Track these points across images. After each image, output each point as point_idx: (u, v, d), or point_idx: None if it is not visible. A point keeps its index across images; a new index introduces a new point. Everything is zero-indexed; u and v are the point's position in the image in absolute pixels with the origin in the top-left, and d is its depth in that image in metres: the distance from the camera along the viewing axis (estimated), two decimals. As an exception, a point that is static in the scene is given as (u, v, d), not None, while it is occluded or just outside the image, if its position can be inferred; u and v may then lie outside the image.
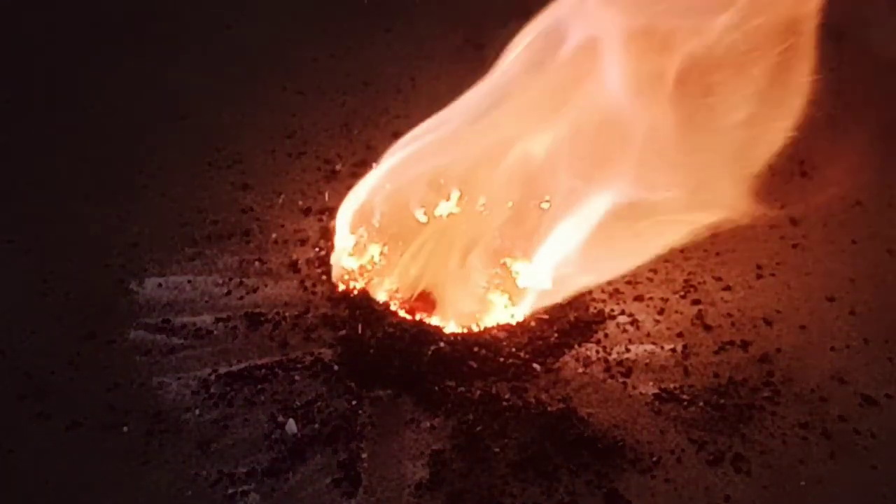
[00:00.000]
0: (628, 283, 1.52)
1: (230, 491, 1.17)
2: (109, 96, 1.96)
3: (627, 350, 1.37)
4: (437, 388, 1.30)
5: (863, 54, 1.93)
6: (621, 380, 1.31)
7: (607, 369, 1.33)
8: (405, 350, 1.34)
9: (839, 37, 1.97)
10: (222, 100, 1.98)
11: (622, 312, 1.45)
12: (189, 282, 1.54)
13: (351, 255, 1.50)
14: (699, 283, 1.51)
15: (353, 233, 1.51)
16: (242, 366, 1.37)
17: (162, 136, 1.88)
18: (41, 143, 1.84)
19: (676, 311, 1.45)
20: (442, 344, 1.36)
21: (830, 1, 1.32)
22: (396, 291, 1.45)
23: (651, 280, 1.52)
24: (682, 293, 1.49)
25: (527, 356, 1.35)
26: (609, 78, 1.33)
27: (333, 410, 1.28)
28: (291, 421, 1.25)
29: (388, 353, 1.34)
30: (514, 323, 1.40)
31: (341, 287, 1.48)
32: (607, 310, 1.46)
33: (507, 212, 1.46)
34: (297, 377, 1.35)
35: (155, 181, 1.76)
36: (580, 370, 1.33)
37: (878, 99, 1.84)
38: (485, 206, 1.46)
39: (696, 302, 1.47)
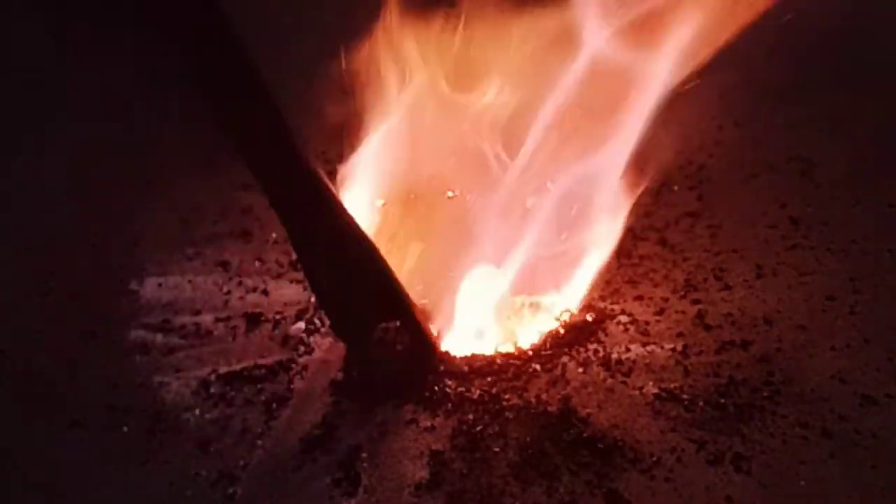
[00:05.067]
0: (628, 282, 1.52)
1: (230, 491, 1.17)
2: (109, 96, 1.96)
3: (627, 350, 1.37)
4: (437, 388, 1.30)
5: (862, 53, 1.93)
6: (621, 380, 1.31)
7: (607, 369, 1.33)
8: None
9: (838, 37, 1.97)
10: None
11: (622, 312, 1.45)
12: (189, 282, 1.54)
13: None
14: (699, 283, 1.51)
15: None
16: (242, 366, 1.37)
17: (162, 136, 1.88)
18: (41, 143, 1.84)
19: (676, 311, 1.45)
20: (442, 344, 1.36)
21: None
22: None
23: (651, 280, 1.52)
24: (682, 293, 1.49)
25: (527, 356, 1.36)
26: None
27: (333, 410, 1.28)
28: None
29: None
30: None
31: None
32: (607, 310, 1.46)
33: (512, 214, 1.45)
34: (296, 377, 1.35)
35: (155, 181, 1.76)
36: (580, 370, 1.33)
37: (876, 97, 1.84)
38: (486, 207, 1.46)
39: (696, 302, 1.46)
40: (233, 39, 0.95)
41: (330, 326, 1.00)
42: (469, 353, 1.36)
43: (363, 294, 1.04)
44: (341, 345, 1.38)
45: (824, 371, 1.31)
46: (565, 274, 1.44)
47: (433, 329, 1.25)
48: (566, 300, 1.45)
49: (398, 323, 1.06)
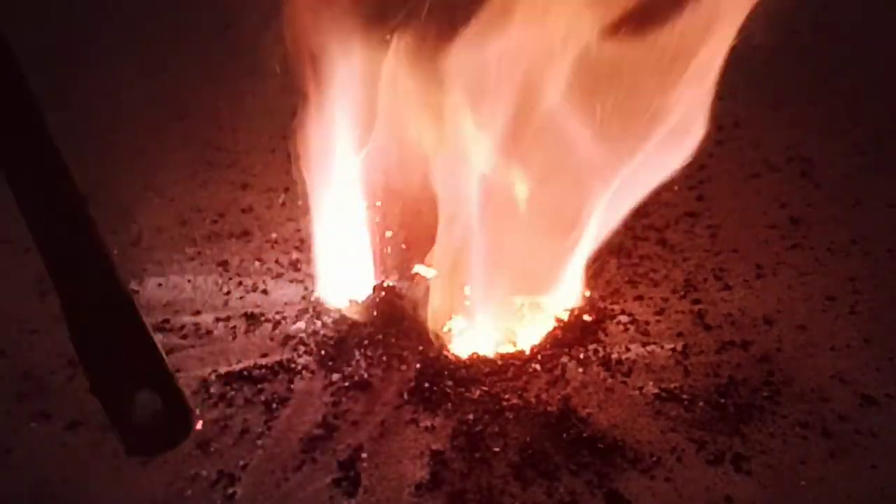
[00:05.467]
0: (628, 282, 1.52)
1: (230, 491, 1.17)
2: (109, 96, 1.97)
3: (627, 350, 1.37)
4: (436, 388, 1.30)
5: (861, 53, 1.93)
6: (621, 380, 1.31)
7: (607, 369, 1.33)
8: (406, 350, 1.35)
9: (838, 37, 1.97)
10: (222, 100, 1.98)
11: (622, 312, 1.45)
12: (189, 282, 1.54)
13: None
14: (699, 283, 1.51)
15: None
16: (242, 366, 1.37)
17: (162, 136, 1.88)
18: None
19: (676, 311, 1.45)
20: (443, 344, 1.36)
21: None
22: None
23: (651, 280, 1.52)
24: (682, 293, 1.49)
25: (527, 356, 1.35)
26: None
27: (333, 410, 1.28)
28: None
29: (389, 353, 1.35)
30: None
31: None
32: (607, 310, 1.46)
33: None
34: (296, 377, 1.35)
35: (155, 181, 1.76)
36: (580, 370, 1.33)
37: (874, 97, 1.84)
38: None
39: (696, 302, 1.47)
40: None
41: (90, 387, 1.05)
42: (469, 354, 1.36)
43: (124, 357, 1.06)
44: (340, 345, 1.38)
45: (824, 371, 1.31)
46: (564, 274, 1.44)
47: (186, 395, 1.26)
48: (566, 300, 1.45)
49: (154, 391, 1.08)
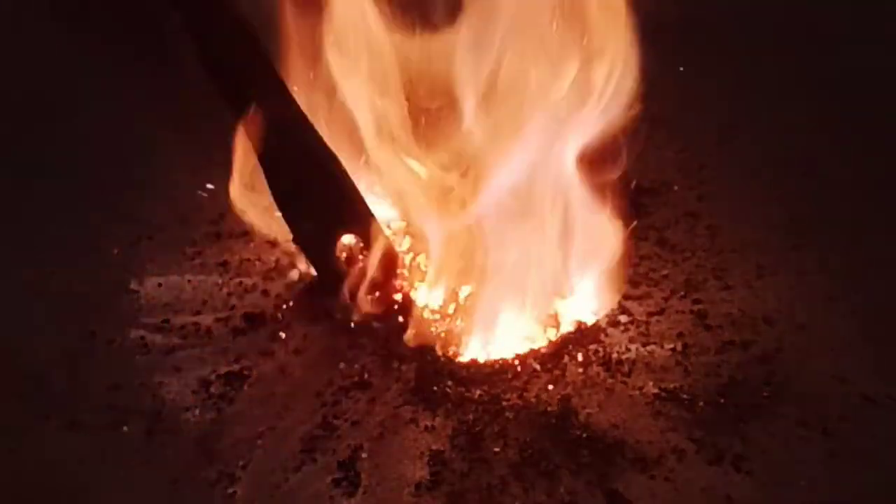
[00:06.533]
0: (628, 282, 1.52)
1: (230, 491, 1.17)
2: (109, 96, 1.96)
3: (627, 350, 1.37)
4: (436, 388, 1.30)
5: (861, 54, 1.93)
6: (621, 380, 1.31)
7: (607, 369, 1.33)
8: (405, 349, 1.35)
9: (838, 38, 1.97)
10: (223, 100, 1.97)
11: (622, 312, 1.45)
12: (189, 282, 1.54)
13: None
14: (699, 283, 1.51)
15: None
16: (242, 366, 1.37)
17: (162, 136, 1.88)
18: (40, 142, 1.84)
19: (676, 311, 1.45)
20: (442, 344, 1.36)
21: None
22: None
23: (651, 280, 1.52)
24: (682, 293, 1.49)
25: (527, 356, 1.35)
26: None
27: (333, 410, 1.28)
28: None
29: (388, 353, 1.35)
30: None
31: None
32: (607, 309, 1.46)
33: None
34: (297, 377, 1.35)
35: (155, 181, 1.76)
36: (580, 370, 1.33)
37: (874, 98, 1.84)
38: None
39: (696, 302, 1.46)
40: None
41: (292, 237, 0.99)
42: (469, 354, 1.36)
43: (325, 202, 1.03)
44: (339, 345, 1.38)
45: (824, 371, 1.31)
46: (565, 275, 1.44)
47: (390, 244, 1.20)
48: (566, 301, 1.45)
49: (359, 236, 1.05)
